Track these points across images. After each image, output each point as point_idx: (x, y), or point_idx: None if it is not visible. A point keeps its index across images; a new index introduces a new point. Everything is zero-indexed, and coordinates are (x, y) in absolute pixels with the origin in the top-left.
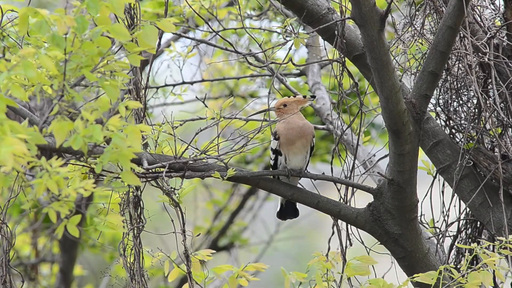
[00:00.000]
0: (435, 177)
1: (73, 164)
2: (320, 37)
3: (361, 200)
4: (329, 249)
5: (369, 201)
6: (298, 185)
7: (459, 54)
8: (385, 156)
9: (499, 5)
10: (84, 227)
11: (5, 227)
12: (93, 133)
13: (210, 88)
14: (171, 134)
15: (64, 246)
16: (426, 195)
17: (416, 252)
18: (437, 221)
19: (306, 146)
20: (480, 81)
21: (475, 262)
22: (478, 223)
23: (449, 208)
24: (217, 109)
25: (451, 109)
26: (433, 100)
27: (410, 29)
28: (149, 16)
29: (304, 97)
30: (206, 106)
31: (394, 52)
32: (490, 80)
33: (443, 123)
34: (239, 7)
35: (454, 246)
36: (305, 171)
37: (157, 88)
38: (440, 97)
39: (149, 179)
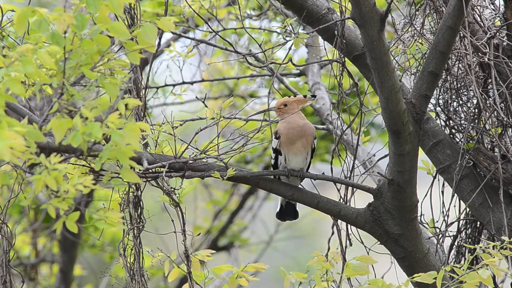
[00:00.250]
0: (435, 177)
1: (73, 164)
2: (320, 37)
3: (361, 200)
4: (328, 249)
5: (369, 201)
6: (299, 186)
7: (459, 54)
8: (385, 156)
9: (499, 5)
10: (84, 226)
11: (5, 227)
12: (92, 130)
13: (210, 88)
14: (171, 134)
15: (64, 246)
16: (426, 195)
17: (416, 252)
18: (437, 221)
19: (306, 147)
20: (480, 81)
21: (474, 262)
22: (478, 223)
23: (449, 208)
24: (217, 109)
25: (451, 109)
26: (433, 100)
27: (410, 29)
28: (148, 16)
29: (305, 96)
30: (206, 106)
31: (394, 52)
32: (490, 80)
33: (443, 123)
34: (239, 7)
35: (454, 246)
36: (305, 172)
37: (157, 88)
38: (440, 97)
39: (149, 179)
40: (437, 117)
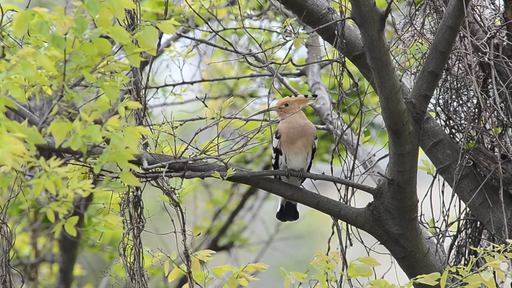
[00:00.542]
0: (435, 177)
1: (72, 164)
2: (320, 37)
3: (361, 200)
4: (329, 249)
5: (369, 201)
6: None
7: (459, 54)
8: (385, 156)
9: (499, 5)
10: (83, 227)
11: (5, 227)
12: (91, 133)
13: (210, 88)
14: (171, 134)
15: (63, 246)
16: (426, 195)
17: (416, 252)
18: (437, 221)
19: (307, 147)
20: (480, 81)
21: (475, 262)
22: (478, 223)
23: (449, 208)
24: (216, 109)
25: (451, 109)
26: (433, 100)
27: (410, 29)
28: (148, 15)
29: (306, 96)
30: (206, 106)
31: (394, 52)
32: (490, 80)
33: (443, 123)
34: (239, 7)
35: (454, 246)
36: (306, 172)
37: (157, 88)
38: (440, 97)
39: (149, 179)
40: (437, 117)
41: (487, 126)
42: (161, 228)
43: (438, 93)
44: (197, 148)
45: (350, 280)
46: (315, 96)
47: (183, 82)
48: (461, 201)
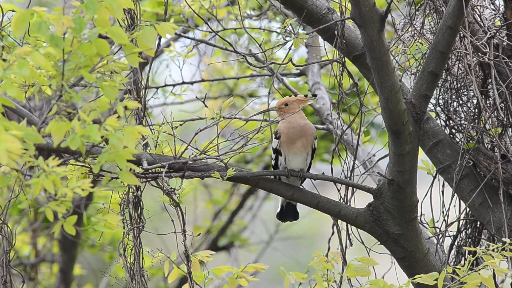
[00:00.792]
0: (435, 177)
1: (72, 164)
2: (320, 37)
3: (361, 200)
4: (329, 249)
5: (369, 201)
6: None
7: (459, 54)
8: (385, 156)
9: (499, 5)
10: (83, 227)
11: (5, 227)
12: (90, 133)
13: (210, 88)
14: (170, 134)
15: (63, 246)
16: (426, 195)
17: (416, 252)
18: (437, 221)
19: (306, 147)
20: (479, 81)
21: (475, 263)
22: (478, 223)
23: (449, 208)
24: (216, 109)
25: (451, 109)
26: (433, 100)
27: (410, 29)
28: (148, 15)
29: (306, 96)
30: (206, 106)
31: (394, 52)
32: (490, 80)
33: (443, 123)
34: (239, 7)
35: (454, 246)
36: (306, 172)
37: (157, 88)
38: (440, 97)
39: (149, 179)
40: (437, 117)
41: (487, 126)
42: (161, 228)
43: (438, 93)
44: (197, 148)
45: (350, 280)
46: (315, 95)
47: (183, 82)
48: (461, 201)
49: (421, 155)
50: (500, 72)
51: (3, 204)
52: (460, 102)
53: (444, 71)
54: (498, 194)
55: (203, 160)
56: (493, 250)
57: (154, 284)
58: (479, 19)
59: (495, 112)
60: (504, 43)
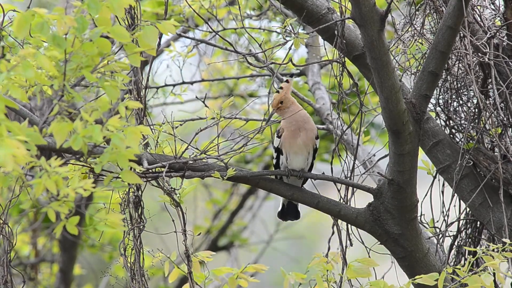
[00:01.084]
0: (435, 177)
1: (73, 164)
2: (320, 37)
3: (361, 200)
4: (329, 249)
5: (369, 201)
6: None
7: (459, 54)
8: (385, 156)
9: (499, 5)
10: (84, 227)
11: (6, 228)
12: (92, 133)
13: (210, 88)
14: (171, 134)
15: (63, 246)
16: (426, 195)
17: (416, 252)
18: (437, 221)
19: (308, 146)
20: (479, 81)
21: (475, 263)
22: (478, 223)
23: (449, 208)
24: (216, 109)
25: (451, 109)
26: (433, 100)
27: (410, 29)
28: (148, 15)
29: (287, 81)
30: (206, 106)
31: (394, 52)
32: (490, 80)
33: (443, 123)
34: (239, 7)
35: (454, 246)
36: (306, 172)
37: (157, 88)
38: (440, 97)
39: (149, 179)
40: (437, 117)
41: (487, 126)
42: (161, 228)
43: (438, 93)
44: (197, 148)
45: (350, 281)
46: (291, 75)
47: (183, 82)
48: (461, 201)
49: (421, 155)
50: (500, 72)
51: (4, 204)
52: (460, 102)
53: (444, 71)
54: (498, 194)
55: (203, 160)
56: (493, 250)
57: (154, 284)
58: (479, 19)
59: (495, 112)
60: (504, 43)
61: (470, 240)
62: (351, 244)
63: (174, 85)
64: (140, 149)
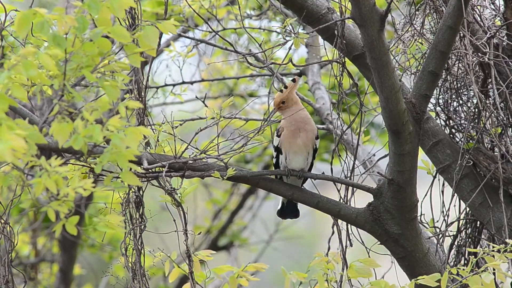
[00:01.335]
0: (435, 177)
1: (73, 164)
2: (320, 37)
3: (361, 200)
4: (329, 249)
5: (369, 201)
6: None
7: (459, 54)
8: (385, 156)
9: (499, 5)
10: (83, 227)
11: (8, 227)
12: (92, 133)
13: (210, 88)
14: (171, 134)
15: (63, 246)
16: (426, 195)
17: (416, 252)
18: (437, 221)
19: (307, 146)
20: (479, 81)
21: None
22: (478, 222)
23: (449, 208)
24: (216, 109)
25: (451, 109)
26: (433, 100)
27: (410, 28)
28: (148, 15)
29: (293, 81)
30: (206, 105)
31: (394, 52)
32: (490, 80)
33: (443, 123)
34: (239, 7)
35: (454, 246)
36: (306, 172)
37: (157, 88)
38: (440, 96)
39: (149, 178)
40: (437, 117)
41: (487, 126)
42: (161, 227)
43: (438, 93)
44: (197, 148)
45: (350, 281)
46: (299, 75)
47: (183, 82)
48: (461, 201)
49: (421, 155)
50: (500, 72)
51: (5, 204)
52: (460, 102)
53: (444, 71)
54: (498, 194)
55: (203, 160)
56: (493, 250)
57: (154, 284)
58: (479, 19)
59: (495, 112)
60: (504, 43)
61: (470, 240)
62: (351, 245)
63: (174, 85)
64: (141, 149)
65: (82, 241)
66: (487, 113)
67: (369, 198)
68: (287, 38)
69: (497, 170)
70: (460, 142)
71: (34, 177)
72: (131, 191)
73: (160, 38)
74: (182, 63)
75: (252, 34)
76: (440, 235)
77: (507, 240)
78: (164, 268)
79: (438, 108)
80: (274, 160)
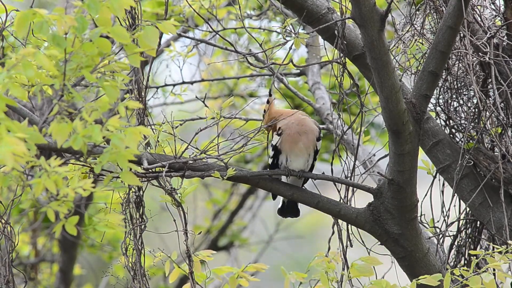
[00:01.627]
0: (435, 177)
1: (73, 164)
2: (320, 37)
3: (361, 200)
4: (329, 249)
5: (369, 201)
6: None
7: (459, 54)
8: (385, 156)
9: (499, 5)
10: (83, 227)
11: (8, 227)
12: (92, 133)
13: (210, 88)
14: (171, 134)
15: (63, 246)
16: (426, 195)
17: (416, 252)
18: (437, 221)
19: (308, 148)
20: (480, 81)
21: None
22: (478, 222)
23: (449, 208)
24: (216, 109)
25: (451, 109)
26: (433, 100)
27: (410, 29)
28: (148, 15)
29: (268, 102)
30: (206, 105)
31: (394, 52)
32: (490, 80)
33: (443, 123)
34: (239, 7)
35: (454, 246)
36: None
37: (157, 88)
38: (440, 96)
39: (149, 178)
40: (437, 117)
41: (487, 126)
42: (161, 227)
43: (438, 93)
44: (197, 148)
45: (350, 281)
46: (270, 95)
47: (183, 82)
48: (461, 201)
49: (421, 155)
50: (500, 71)
51: (6, 204)
52: (460, 102)
53: (444, 71)
54: (498, 194)
55: (203, 160)
56: (495, 251)
57: (154, 284)
58: (479, 19)
59: (495, 111)
60: (504, 43)
61: (470, 240)
62: (351, 245)
63: (174, 85)
64: (141, 149)
65: (82, 241)
66: (488, 113)
67: (369, 198)
68: (287, 38)
69: (497, 170)
70: (460, 142)
71: (34, 177)
72: (131, 191)
73: (160, 38)
74: (182, 63)
75: (252, 34)
76: (440, 235)
77: (509, 241)
78: (164, 268)
79: (438, 108)
80: (270, 161)
